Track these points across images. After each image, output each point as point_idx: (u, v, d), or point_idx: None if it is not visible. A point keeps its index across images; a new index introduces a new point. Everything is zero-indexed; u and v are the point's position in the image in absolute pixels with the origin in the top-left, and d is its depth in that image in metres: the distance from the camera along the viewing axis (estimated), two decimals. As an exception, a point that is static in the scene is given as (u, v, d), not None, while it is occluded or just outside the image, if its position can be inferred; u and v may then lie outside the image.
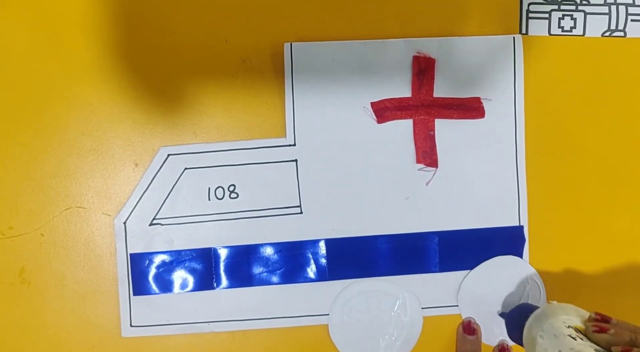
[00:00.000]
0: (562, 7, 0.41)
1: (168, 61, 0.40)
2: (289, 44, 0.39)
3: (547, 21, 0.41)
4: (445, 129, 0.41)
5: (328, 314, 0.40)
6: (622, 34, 0.41)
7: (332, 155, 0.40)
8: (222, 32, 0.40)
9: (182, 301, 0.40)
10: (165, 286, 0.40)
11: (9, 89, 0.39)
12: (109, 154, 0.40)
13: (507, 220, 0.41)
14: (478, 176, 0.41)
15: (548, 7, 0.41)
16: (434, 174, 0.41)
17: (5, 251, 0.39)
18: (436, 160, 0.41)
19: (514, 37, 0.41)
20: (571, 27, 0.41)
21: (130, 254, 0.39)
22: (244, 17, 0.40)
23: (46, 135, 0.39)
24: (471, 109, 0.41)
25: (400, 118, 0.41)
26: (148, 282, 0.40)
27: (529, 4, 0.41)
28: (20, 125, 0.39)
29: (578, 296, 0.42)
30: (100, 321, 0.40)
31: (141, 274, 0.39)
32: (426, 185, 0.41)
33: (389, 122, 0.41)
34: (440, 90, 0.41)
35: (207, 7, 0.39)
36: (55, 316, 0.40)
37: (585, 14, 0.41)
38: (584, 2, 0.41)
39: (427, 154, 0.41)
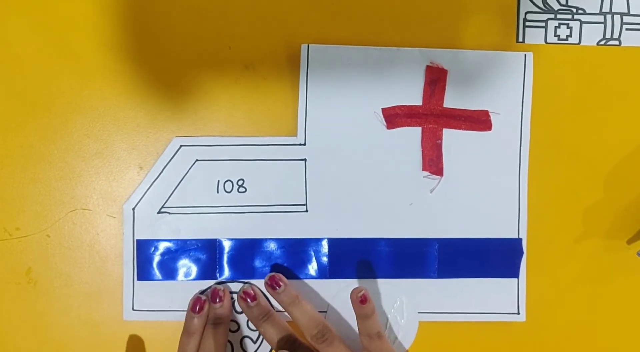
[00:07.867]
0: (559, 16, 0.42)
1: (174, 64, 0.40)
2: (306, 45, 0.40)
3: (543, 30, 0.42)
4: (452, 139, 0.42)
5: (326, 311, 0.41)
6: (617, 42, 0.42)
7: (340, 156, 0.41)
8: (227, 37, 0.40)
9: (185, 289, 0.40)
10: (169, 273, 0.40)
11: (16, 93, 0.40)
12: (113, 157, 0.41)
13: (506, 232, 0.42)
14: (481, 187, 0.42)
15: (544, 16, 0.42)
16: (439, 182, 0.42)
17: (12, 252, 0.40)
18: (442, 168, 0.42)
19: (525, 55, 0.42)
20: (567, 36, 0.42)
21: (137, 240, 0.40)
22: (258, 19, 0.40)
23: (53, 138, 0.40)
24: (479, 121, 0.42)
25: (410, 125, 0.41)
26: (152, 268, 0.40)
27: (526, 13, 0.42)
28: (27, 129, 0.40)
29: (574, 311, 0.43)
30: (104, 320, 0.40)
31: (146, 260, 0.40)
32: (430, 192, 0.42)
33: (398, 129, 0.41)
34: (450, 101, 0.42)
35: (215, 11, 0.40)
36: (61, 315, 0.40)
37: (581, 22, 0.42)
38: (580, 12, 0.42)
39: (433, 162, 0.42)
